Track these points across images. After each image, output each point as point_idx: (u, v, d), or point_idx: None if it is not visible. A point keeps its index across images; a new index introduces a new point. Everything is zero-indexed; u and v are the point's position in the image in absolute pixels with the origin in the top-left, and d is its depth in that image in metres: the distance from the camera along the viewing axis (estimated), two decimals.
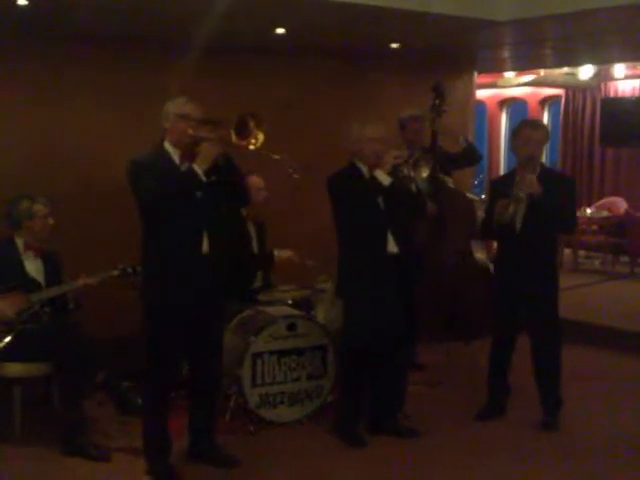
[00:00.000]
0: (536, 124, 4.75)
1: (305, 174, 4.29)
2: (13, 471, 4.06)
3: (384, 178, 4.26)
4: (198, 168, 3.75)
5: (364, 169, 4.38)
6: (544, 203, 4.41)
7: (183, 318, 3.88)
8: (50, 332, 4.31)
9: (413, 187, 4.36)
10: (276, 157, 3.94)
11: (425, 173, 4.29)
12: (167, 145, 3.93)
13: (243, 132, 3.69)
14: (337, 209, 4.42)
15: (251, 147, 3.74)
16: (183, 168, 3.83)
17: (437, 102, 5.42)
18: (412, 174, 4.27)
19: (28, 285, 4.41)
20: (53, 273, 4.57)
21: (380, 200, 4.34)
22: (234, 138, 3.69)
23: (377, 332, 4.38)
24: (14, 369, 4.34)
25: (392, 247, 4.40)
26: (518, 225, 4.56)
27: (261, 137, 3.72)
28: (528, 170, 4.52)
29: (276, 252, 5.21)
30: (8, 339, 4.25)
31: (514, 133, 4.71)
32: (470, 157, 5.72)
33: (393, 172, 4.27)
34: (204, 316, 3.96)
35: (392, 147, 4.37)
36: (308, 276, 5.21)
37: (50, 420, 4.42)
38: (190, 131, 3.83)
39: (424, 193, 4.64)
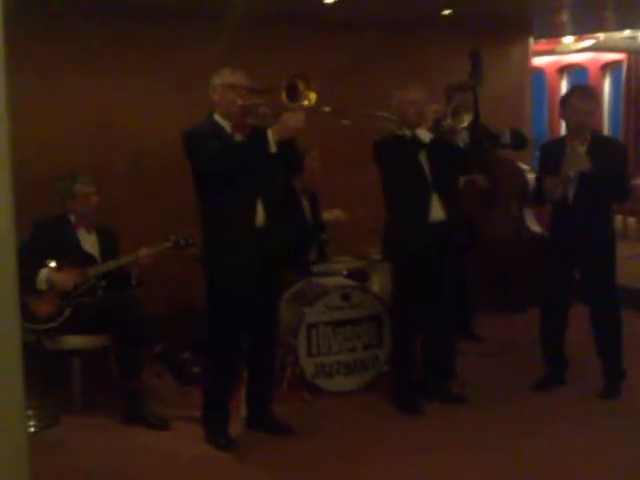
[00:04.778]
0: (586, 94, 4.53)
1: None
2: (75, 440, 4.15)
3: (424, 135, 4.23)
4: (272, 136, 3.73)
5: (408, 133, 4.33)
6: (595, 176, 4.31)
7: (244, 285, 3.89)
8: (107, 304, 4.39)
9: (459, 141, 4.28)
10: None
11: (467, 121, 4.20)
12: (217, 117, 3.93)
13: (294, 95, 3.66)
14: (381, 172, 4.40)
15: (306, 103, 3.70)
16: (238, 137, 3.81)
17: (475, 69, 5.31)
18: (454, 124, 4.20)
19: (84, 260, 4.49)
20: (108, 248, 4.65)
21: (423, 159, 4.30)
22: (287, 101, 3.66)
23: (421, 299, 4.39)
24: (73, 341, 4.44)
25: (437, 213, 4.35)
26: (570, 197, 4.47)
27: (313, 96, 3.68)
28: (578, 139, 4.43)
29: (324, 214, 5.22)
30: (67, 313, 4.35)
31: (563, 101, 4.58)
32: (516, 146, 5.61)
33: (435, 128, 4.22)
34: (261, 286, 3.97)
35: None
36: (364, 244, 5.19)
37: (109, 390, 4.51)
38: (239, 101, 3.82)
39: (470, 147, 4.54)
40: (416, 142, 4.25)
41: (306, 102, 3.66)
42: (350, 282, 4.96)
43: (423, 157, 4.32)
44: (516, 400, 4.61)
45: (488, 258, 5.58)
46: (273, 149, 3.75)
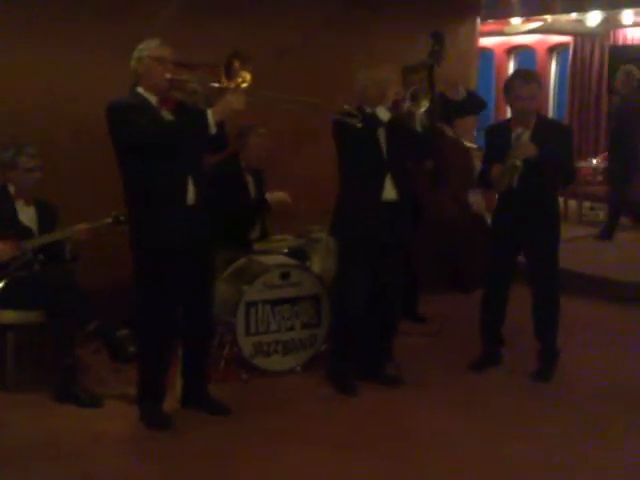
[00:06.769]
0: (526, 78, 4.51)
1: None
2: (6, 417, 4.09)
3: (383, 113, 4.23)
4: (211, 116, 3.64)
5: (371, 110, 4.31)
6: (541, 161, 4.35)
7: (175, 263, 3.85)
8: (42, 280, 4.32)
9: (418, 126, 4.29)
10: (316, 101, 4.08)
11: (424, 107, 4.22)
12: (141, 90, 3.83)
13: (229, 73, 3.61)
14: (339, 148, 4.38)
15: (244, 85, 3.64)
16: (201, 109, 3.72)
17: (436, 48, 5.30)
18: (412, 108, 4.21)
19: (20, 232, 4.39)
20: (47, 222, 4.55)
21: (381, 139, 4.30)
22: (224, 80, 3.61)
23: (368, 280, 4.39)
24: (7, 316, 4.35)
25: (390, 193, 4.35)
26: (515, 181, 4.50)
27: (248, 76, 3.61)
28: (523, 123, 4.46)
29: (268, 195, 5.18)
30: (1, 285, 4.26)
31: (506, 87, 4.58)
32: (472, 105, 5.63)
33: (394, 109, 4.22)
34: (193, 265, 3.94)
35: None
36: (301, 221, 5.18)
37: (43, 367, 4.45)
38: (168, 75, 3.75)
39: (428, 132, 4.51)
40: (374, 120, 4.24)
41: (240, 80, 3.61)
42: (290, 261, 4.94)
43: (382, 137, 4.31)
44: (451, 382, 4.67)
45: (434, 239, 5.60)
46: (213, 130, 3.68)
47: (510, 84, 4.53)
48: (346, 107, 4.23)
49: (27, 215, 4.51)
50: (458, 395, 4.48)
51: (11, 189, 4.47)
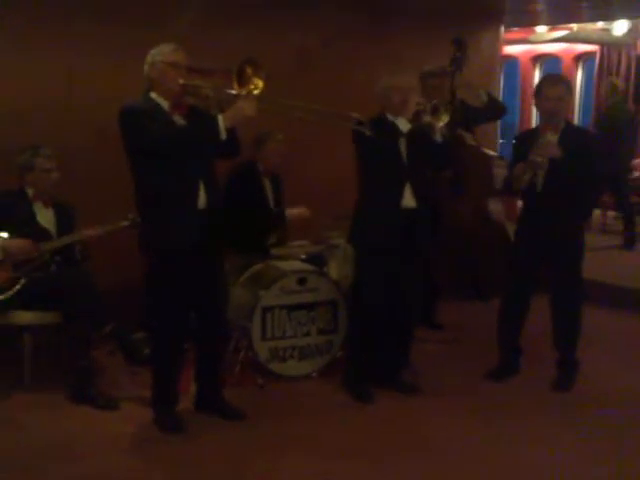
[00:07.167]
0: (555, 80, 4.61)
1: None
2: (23, 419, 4.11)
3: (403, 124, 4.23)
4: (222, 122, 3.65)
5: (392, 119, 4.31)
6: (565, 165, 4.32)
7: (186, 266, 3.85)
8: (59, 281, 4.34)
9: (438, 136, 4.27)
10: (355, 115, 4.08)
11: (444, 121, 4.22)
12: (154, 96, 3.84)
13: (241, 80, 3.61)
14: (359, 154, 4.37)
15: (256, 92, 3.63)
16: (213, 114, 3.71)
17: (458, 55, 5.27)
18: (432, 121, 4.21)
19: (38, 234, 4.42)
20: (65, 224, 4.58)
21: (402, 147, 4.28)
22: (236, 87, 3.62)
23: (386, 287, 4.36)
24: (24, 317, 4.38)
25: (409, 201, 4.33)
26: (539, 185, 4.48)
27: (260, 83, 3.61)
28: (551, 127, 4.44)
29: (287, 211, 5.18)
30: (19, 286, 4.27)
31: (535, 90, 4.62)
32: (493, 110, 5.61)
33: (415, 120, 4.22)
34: (203, 268, 3.93)
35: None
36: (321, 230, 5.16)
37: (60, 368, 4.45)
38: (181, 80, 3.75)
39: (447, 142, 4.46)
40: (395, 130, 4.24)
41: (252, 87, 3.61)
42: (307, 266, 4.93)
43: (402, 145, 4.30)
44: (469, 389, 4.63)
45: (452, 246, 5.57)
46: (224, 136, 3.68)
47: (539, 86, 4.59)
48: (355, 115, 4.21)
49: (46, 217, 4.55)
50: (476, 403, 4.44)
51: (29, 192, 4.51)
